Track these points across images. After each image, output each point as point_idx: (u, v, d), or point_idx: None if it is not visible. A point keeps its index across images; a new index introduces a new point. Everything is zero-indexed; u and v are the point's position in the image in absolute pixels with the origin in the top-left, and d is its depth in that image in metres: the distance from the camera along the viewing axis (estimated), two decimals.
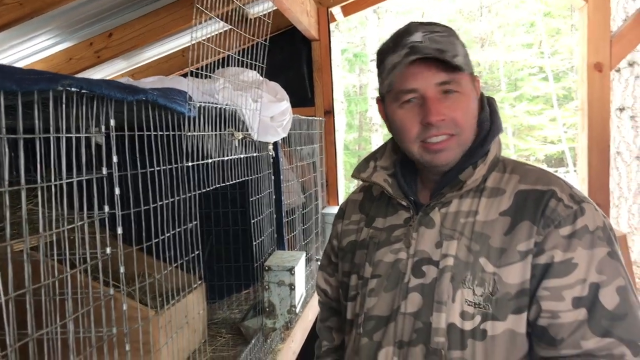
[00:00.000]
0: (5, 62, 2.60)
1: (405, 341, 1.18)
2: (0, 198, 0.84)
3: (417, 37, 1.15)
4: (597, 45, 2.94)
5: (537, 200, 1.15)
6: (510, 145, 15.45)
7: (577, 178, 3.31)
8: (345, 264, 1.38)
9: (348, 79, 15.02)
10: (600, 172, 2.98)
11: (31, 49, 2.61)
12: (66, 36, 2.62)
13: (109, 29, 2.65)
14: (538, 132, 15.39)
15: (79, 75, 2.79)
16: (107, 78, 3.15)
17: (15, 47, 2.52)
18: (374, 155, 1.35)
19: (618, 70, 8.17)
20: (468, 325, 1.13)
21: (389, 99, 1.22)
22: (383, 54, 1.22)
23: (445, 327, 1.13)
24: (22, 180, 0.83)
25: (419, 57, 1.12)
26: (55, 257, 1.12)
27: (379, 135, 13.63)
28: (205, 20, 1.36)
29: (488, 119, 1.24)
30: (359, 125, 17.03)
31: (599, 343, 1.07)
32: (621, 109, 8.24)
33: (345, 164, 15.72)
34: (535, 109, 15.27)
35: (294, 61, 3.38)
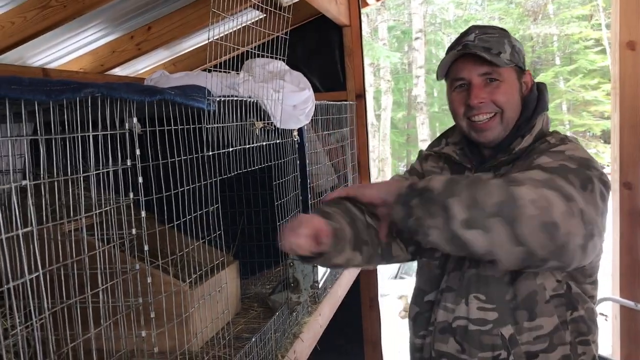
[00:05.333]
0: (57, 55, 2.82)
1: None
2: (46, 187, 0.99)
3: (471, 37, 1.46)
4: (629, 23, 2.90)
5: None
6: (565, 121, 15.02)
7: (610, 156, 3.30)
8: None
9: (396, 56, 14.89)
10: (632, 151, 2.96)
11: (79, 43, 2.82)
12: (110, 30, 2.81)
13: (148, 22, 2.82)
14: (594, 108, 14.85)
15: (123, 66, 3.01)
16: (148, 68, 3.34)
17: (67, 41, 2.73)
18: (446, 134, 1.65)
19: None
20: None
21: (447, 84, 1.53)
22: (448, 49, 1.53)
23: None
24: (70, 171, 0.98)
25: (465, 53, 1.42)
26: (101, 237, 1.30)
27: (424, 114, 13.51)
28: (222, 20, 1.49)
29: (535, 100, 1.49)
30: (407, 103, 16.88)
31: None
32: None
33: (393, 143, 15.66)
34: (591, 83, 14.74)
35: (326, 47, 3.47)
